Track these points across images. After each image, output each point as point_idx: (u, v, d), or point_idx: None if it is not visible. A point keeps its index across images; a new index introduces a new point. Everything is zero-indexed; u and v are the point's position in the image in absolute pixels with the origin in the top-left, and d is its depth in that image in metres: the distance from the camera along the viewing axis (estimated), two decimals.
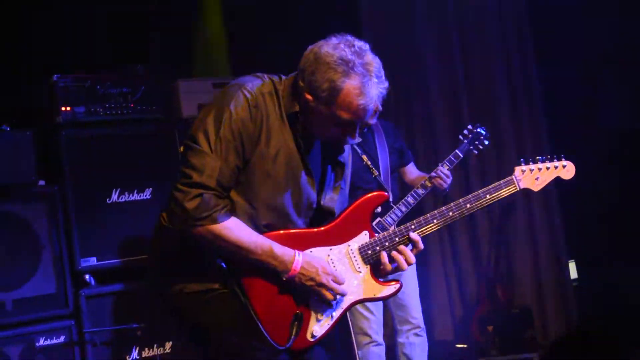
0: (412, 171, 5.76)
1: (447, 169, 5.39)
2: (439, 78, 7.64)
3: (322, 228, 3.52)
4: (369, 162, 5.36)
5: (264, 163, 3.34)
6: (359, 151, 5.35)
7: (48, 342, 5.67)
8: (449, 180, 5.43)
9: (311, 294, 3.42)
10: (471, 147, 5.50)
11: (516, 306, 7.22)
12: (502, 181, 3.79)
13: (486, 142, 5.51)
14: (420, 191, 5.30)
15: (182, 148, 3.46)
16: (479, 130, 5.51)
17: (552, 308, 7.29)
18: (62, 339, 5.73)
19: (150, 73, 6.32)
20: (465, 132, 5.53)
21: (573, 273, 7.31)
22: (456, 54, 7.59)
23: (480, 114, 7.36)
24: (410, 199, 5.25)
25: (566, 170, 3.94)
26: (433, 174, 5.38)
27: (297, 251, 3.38)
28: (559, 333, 7.17)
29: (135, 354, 5.91)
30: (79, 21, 6.61)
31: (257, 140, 3.31)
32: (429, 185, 5.35)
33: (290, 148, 3.38)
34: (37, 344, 5.63)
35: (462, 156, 5.43)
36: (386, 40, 7.56)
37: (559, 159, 3.94)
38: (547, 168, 3.91)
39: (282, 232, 3.42)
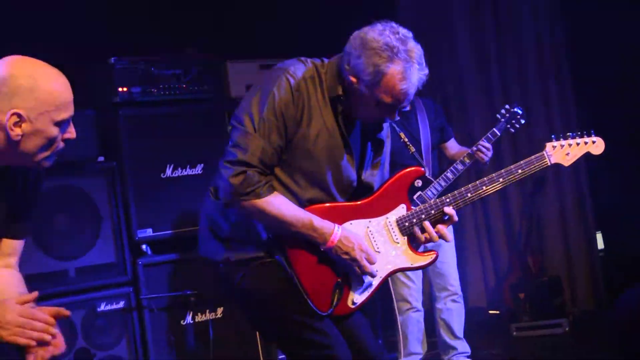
0: (453, 146, 5.73)
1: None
2: (473, 59, 7.60)
3: (362, 201, 3.50)
4: (406, 139, 5.32)
5: (306, 143, 3.33)
6: (397, 129, 5.33)
7: (108, 307, 5.70)
8: (489, 154, 5.38)
9: (348, 266, 3.40)
10: (508, 126, 5.46)
11: (546, 275, 7.17)
12: (533, 157, 3.72)
13: (522, 121, 5.48)
14: (459, 167, 5.26)
15: (229, 127, 3.44)
16: (515, 109, 5.45)
17: (580, 277, 7.28)
18: (121, 304, 5.75)
19: (201, 55, 6.32)
20: (503, 111, 5.48)
21: (600, 244, 7.24)
22: (489, 34, 7.53)
23: (512, 94, 7.34)
24: (449, 174, 5.21)
25: (596, 145, 3.85)
26: (474, 147, 5.33)
27: (336, 224, 3.36)
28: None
29: (189, 318, 5.94)
30: (134, 5, 6.62)
31: (299, 121, 3.30)
32: (467, 161, 5.32)
33: (331, 129, 3.36)
34: (98, 309, 5.66)
35: (499, 134, 5.40)
36: (422, 25, 7.49)
37: (588, 135, 3.86)
38: (577, 144, 3.83)
39: (323, 205, 3.41)
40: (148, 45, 6.24)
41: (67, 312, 2.68)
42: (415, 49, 3.24)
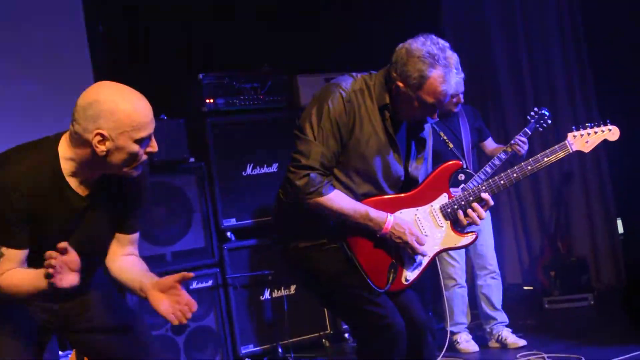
0: (490, 144, 5.69)
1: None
2: (507, 66, 7.49)
3: (409, 193, 3.53)
4: (445, 137, 5.30)
5: (358, 146, 3.37)
6: (437, 129, 5.30)
7: (199, 285, 5.77)
8: (525, 147, 5.29)
9: (401, 249, 3.44)
10: (537, 126, 5.41)
11: (574, 255, 7.10)
12: (557, 146, 3.75)
13: (549, 122, 5.42)
14: (497, 161, 5.23)
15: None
16: (543, 111, 5.41)
17: (603, 257, 7.16)
18: (209, 283, 5.82)
19: (275, 71, 6.37)
20: (532, 113, 5.44)
21: (620, 229, 7.16)
22: (520, 39, 7.42)
23: (541, 93, 7.28)
24: (488, 168, 5.19)
25: (612, 133, 3.87)
26: (512, 141, 5.28)
27: (389, 214, 3.40)
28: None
29: (267, 294, 6.02)
30: (219, 30, 6.71)
31: (352, 128, 3.34)
32: (503, 155, 5.24)
33: (379, 133, 3.39)
34: (190, 287, 5.71)
35: (530, 133, 5.34)
36: (464, 37, 7.54)
37: (605, 124, 3.87)
38: (595, 132, 3.85)
39: (376, 198, 3.45)
40: (231, 63, 6.31)
41: (190, 275, 2.74)
42: (453, 57, 3.29)
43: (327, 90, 3.38)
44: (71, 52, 6.48)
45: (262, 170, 6.14)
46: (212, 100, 5.99)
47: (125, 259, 3.01)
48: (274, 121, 6.17)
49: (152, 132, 2.72)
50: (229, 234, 5.96)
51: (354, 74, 3.46)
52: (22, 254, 2.73)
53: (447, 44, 3.31)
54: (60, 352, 5.14)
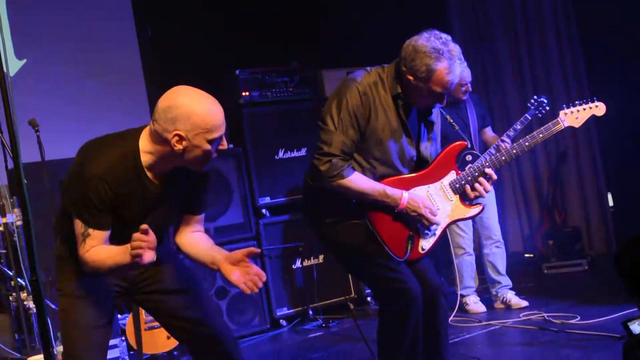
0: (488, 132, 5.58)
1: (515, 133, 5.13)
2: (508, 57, 7.36)
3: (421, 172, 3.50)
4: (452, 121, 5.21)
5: (375, 133, 3.34)
6: (444, 113, 5.21)
7: None
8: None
9: (417, 221, 3.41)
10: (536, 112, 5.31)
11: (569, 226, 7.02)
12: (550, 123, 3.71)
13: (547, 108, 5.33)
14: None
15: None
16: (542, 99, 5.32)
17: (595, 227, 7.06)
18: None
19: (303, 66, 6.38)
20: (532, 100, 5.35)
21: (610, 201, 7.07)
22: (521, 37, 7.29)
23: (540, 82, 7.18)
24: (492, 150, 5.11)
25: (599, 109, 3.80)
26: (503, 137, 5.13)
27: (404, 190, 3.38)
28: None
29: (298, 263, 6.02)
30: (254, 31, 6.74)
31: (368, 118, 3.32)
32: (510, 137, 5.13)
33: (393, 120, 3.37)
34: None
35: (530, 118, 5.25)
36: (469, 32, 7.46)
37: (592, 101, 3.81)
38: (584, 109, 3.78)
39: (392, 178, 3.42)
40: (264, 60, 6.32)
41: (257, 250, 2.79)
42: (456, 49, 3.25)
43: (344, 85, 3.36)
44: (124, 54, 6.57)
45: (293, 154, 6.14)
46: (247, 93, 6.01)
47: (193, 235, 3.05)
48: (302, 111, 6.14)
49: (223, 133, 2.73)
50: (264, 210, 5.97)
51: (368, 68, 3.43)
52: (105, 234, 2.77)
53: (449, 37, 3.27)
54: (118, 316, 5.17)
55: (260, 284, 2.75)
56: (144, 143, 2.77)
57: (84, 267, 2.79)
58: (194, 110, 2.64)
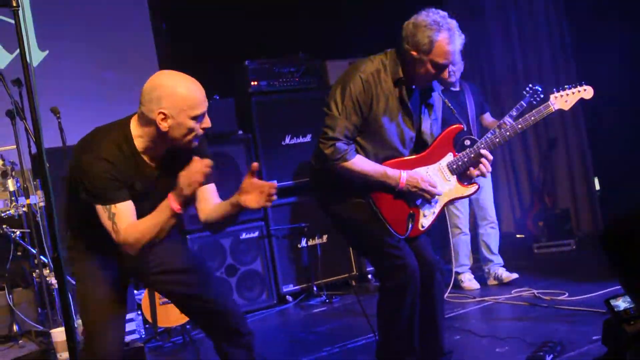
0: (487, 118, 5.58)
1: (513, 118, 5.11)
2: (502, 47, 7.31)
3: (420, 155, 3.47)
4: (449, 104, 5.18)
5: (377, 118, 3.32)
6: (443, 97, 5.18)
7: (247, 236, 5.81)
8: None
9: (417, 198, 3.40)
10: (531, 99, 5.26)
11: (558, 208, 7.00)
12: (541, 106, 3.67)
13: (542, 96, 5.27)
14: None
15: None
16: (536, 87, 5.27)
17: (583, 209, 7.04)
18: (256, 234, 5.85)
19: (308, 57, 6.35)
20: (527, 88, 5.30)
21: (597, 185, 7.04)
22: (514, 26, 7.25)
23: (531, 72, 7.12)
24: (489, 134, 5.04)
25: (587, 92, 3.76)
26: (501, 121, 5.12)
27: (402, 170, 3.36)
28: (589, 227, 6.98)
29: (303, 242, 6.02)
30: (262, 24, 6.73)
31: (370, 104, 3.30)
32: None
33: (394, 105, 3.35)
34: (240, 237, 5.77)
35: (525, 105, 5.21)
36: (464, 21, 7.24)
37: (580, 85, 3.77)
38: (573, 92, 3.74)
39: (393, 160, 3.41)
40: (271, 51, 6.30)
41: (256, 164, 2.75)
42: (453, 22, 3.25)
43: (348, 74, 3.34)
44: (140, 46, 6.59)
45: (298, 140, 6.14)
46: (256, 83, 6.01)
47: (212, 206, 2.94)
48: (308, 99, 6.13)
49: (205, 110, 2.74)
50: None
51: (371, 57, 3.40)
52: (129, 204, 2.73)
53: (445, 13, 3.27)
54: (135, 291, 5.18)
55: (274, 196, 2.73)
56: (135, 128, 2.77)
57: (129, 251, 2.70)
58: (175, 89, 2.66)
